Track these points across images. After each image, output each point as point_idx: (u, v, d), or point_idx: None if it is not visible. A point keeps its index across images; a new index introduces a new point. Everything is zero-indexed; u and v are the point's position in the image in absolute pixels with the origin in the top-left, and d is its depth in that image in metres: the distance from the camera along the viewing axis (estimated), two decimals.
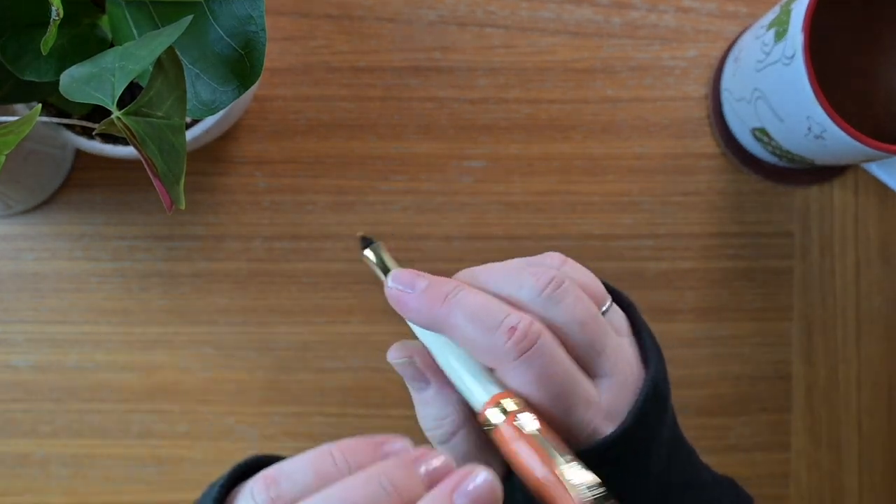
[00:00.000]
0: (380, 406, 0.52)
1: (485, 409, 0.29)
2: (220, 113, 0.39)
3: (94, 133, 0.43)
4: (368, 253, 0.34)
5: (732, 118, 0.51)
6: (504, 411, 0.29)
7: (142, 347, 0.52)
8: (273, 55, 0.51)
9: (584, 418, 0.30)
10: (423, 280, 0.31)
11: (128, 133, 0.28)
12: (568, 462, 0.28)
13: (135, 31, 0.34)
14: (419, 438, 0.37)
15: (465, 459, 0.31)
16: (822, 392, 0.53)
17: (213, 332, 0.52)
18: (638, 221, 0.52)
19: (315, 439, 0.52)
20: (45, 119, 0.35)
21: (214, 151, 0.52)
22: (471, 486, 0.25)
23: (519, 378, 0.29)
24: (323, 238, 0.52)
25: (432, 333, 0.31)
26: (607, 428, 0.30)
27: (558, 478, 0.27)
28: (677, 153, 0.53)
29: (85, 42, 0.36)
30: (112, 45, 0.36)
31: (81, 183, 0.52)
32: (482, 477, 0.25)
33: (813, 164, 0.49)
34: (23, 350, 0.52)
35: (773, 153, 0.50)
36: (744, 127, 0.50)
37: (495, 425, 0.29)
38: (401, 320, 0.32)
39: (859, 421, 0.53)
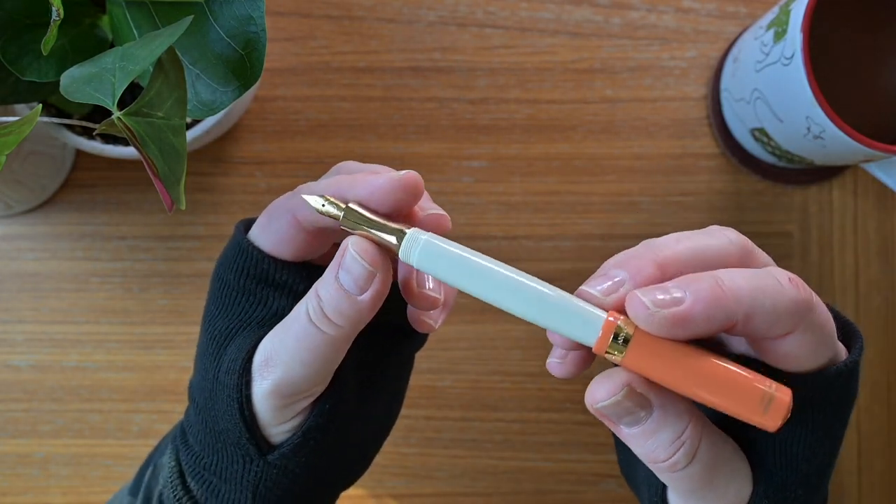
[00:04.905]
0: None
1: (611, 319, 0.26)
2: (221, 113, 0.39)
3: (94, 133, 0.43)
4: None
5: (732, 118, 0.51)
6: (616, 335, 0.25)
7: (142, 347, 0.52)
8: (273, 55, 0.52)
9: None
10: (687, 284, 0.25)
11: (128, 133, 0.28)
12: None
13: (135, 32, 0.34)
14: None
15: (714, 465, 0.27)
16: None
17: None
18: (638, 221, 0.52)
19: None
20: (45, 119, 0.35)
21: (215, 151, 0.52)
22: (347, 259, 0.28)
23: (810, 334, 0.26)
24: None
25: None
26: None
27: None
28: (677, 153, 0.53)
29: (85, 42, 0.36)
30: (112, 46, 0.36)
31: (82, 183, 0.52)
32: (351, 245, 0.28)
33: (812, 164, 0.49)
34: (23, 350, 0.52)
35: (773, 153, 0.50)
36: (743, 127, 0.50)
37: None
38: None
39: (859, 421, 0.53)
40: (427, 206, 0.30)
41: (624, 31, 0.52)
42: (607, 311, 0.26)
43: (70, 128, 0.44)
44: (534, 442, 0.53)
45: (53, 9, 0.30)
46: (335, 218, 0.28)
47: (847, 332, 0.30)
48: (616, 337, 0.25)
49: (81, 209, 0.52)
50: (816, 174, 0.53)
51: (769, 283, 0.25)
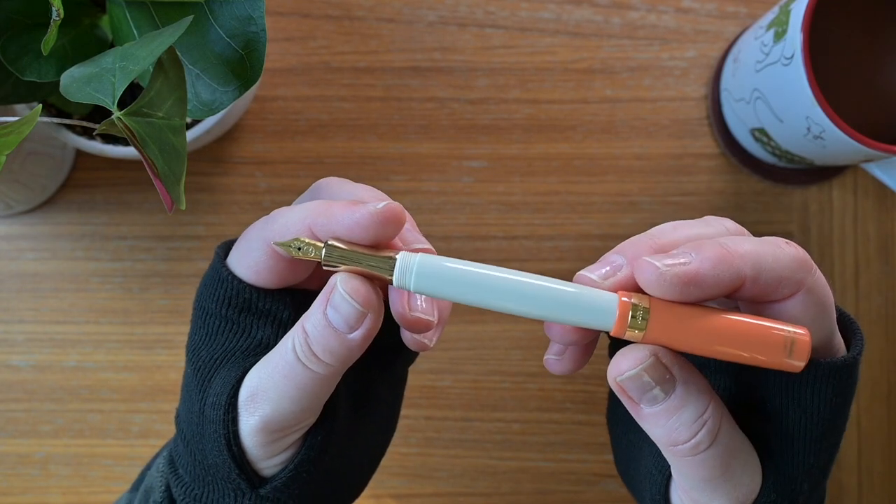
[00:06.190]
0: None
1: (625, 299, 0.25)
2: (221, 113, 0.39)
3: (94, 133, 0.43)
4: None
5: (732, 118, 0.51)
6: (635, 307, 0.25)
7: (142, 347, 0.52)
8: (273, 55, 0.52)
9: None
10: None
11: (128, 133, 0.28)
12: None
13: (135, 32, 0.34)
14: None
15: (732, 450, 0.27)
16: None
17: None
18: (637, 221, 0.52)
19: None
20: (45, 119, 0.35)
21: (215, 152, 0.52)
22: (336, 298, 0.26)
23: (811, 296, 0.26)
24: None
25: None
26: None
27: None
28: (677, 153, 0.53)
29: (85, 42, 0.36)
30: (112, 46, 0.36)
31: (82, 183, 0.52)
32: (339, 284, 0.26)
33: (812, 164, 0.49)
34: (23, 350, 0.52)
35: (773, 153, 0.50)
36: (743, 127, 0.50)
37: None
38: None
39: (859, 421, 0.53)
40: (410, 237, 0.28)
41: (624, 31, 0.52)
42: (617, 293, 0.25)
43: (70, 128, 0.44)
44: (534, 442, 0.53)
45: (53, 9, 0.30)
46: (316, 259, 0.27)
47: (846, 326, 0.30)
48: (634, 315, 0.25)
49: (81, 209, 0.52)
50: (816, 174, 0.53)
51: (769, 245, 0.26)
